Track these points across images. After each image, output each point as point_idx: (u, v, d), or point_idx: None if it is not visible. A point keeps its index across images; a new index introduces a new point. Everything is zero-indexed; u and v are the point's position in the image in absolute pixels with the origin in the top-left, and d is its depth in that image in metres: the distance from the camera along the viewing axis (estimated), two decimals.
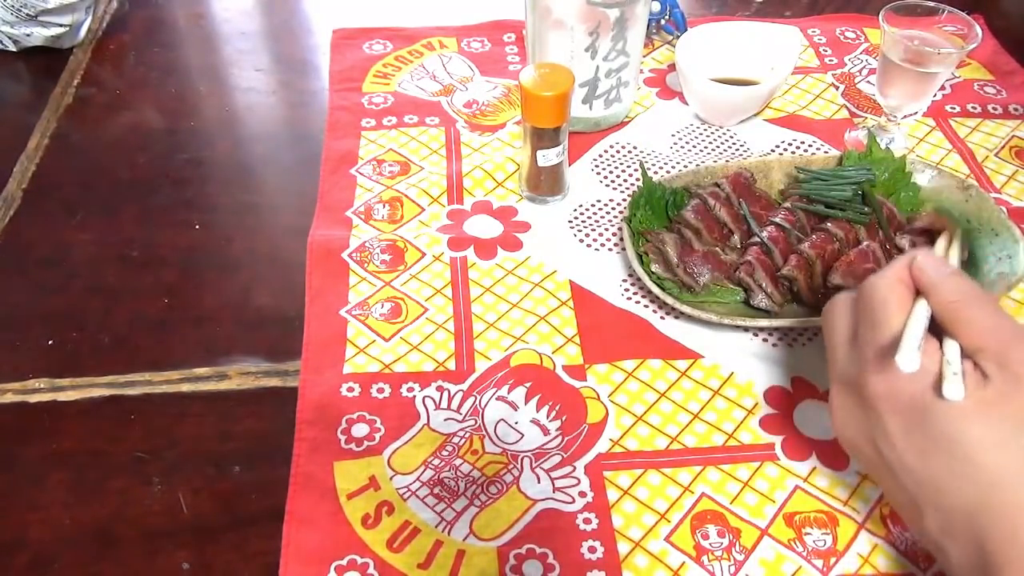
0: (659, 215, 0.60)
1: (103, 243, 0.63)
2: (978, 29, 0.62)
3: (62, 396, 0.53)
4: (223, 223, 0.64)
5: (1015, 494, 0.35)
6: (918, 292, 0.40)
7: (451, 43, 0.81)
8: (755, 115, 0.72)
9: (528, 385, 0.52)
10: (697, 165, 0.65)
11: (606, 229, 0.62)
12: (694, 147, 0.70)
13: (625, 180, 0.66)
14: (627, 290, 0.58)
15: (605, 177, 0.67)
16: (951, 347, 0.38)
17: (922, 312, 0.39)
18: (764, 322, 0.53)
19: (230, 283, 0.60)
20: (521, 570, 0.44)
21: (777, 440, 0.50)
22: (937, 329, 0.39)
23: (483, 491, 0.47)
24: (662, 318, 0.56)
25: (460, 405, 0.51)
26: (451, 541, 0.45)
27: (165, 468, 0.49)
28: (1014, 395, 0.36)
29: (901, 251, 0.55)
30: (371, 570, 0.44)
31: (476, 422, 0.50)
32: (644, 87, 0.75)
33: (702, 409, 0.51)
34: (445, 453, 0.49)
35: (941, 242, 0.50)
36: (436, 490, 0.47)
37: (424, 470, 0.48)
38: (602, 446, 0.49)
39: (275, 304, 0.58)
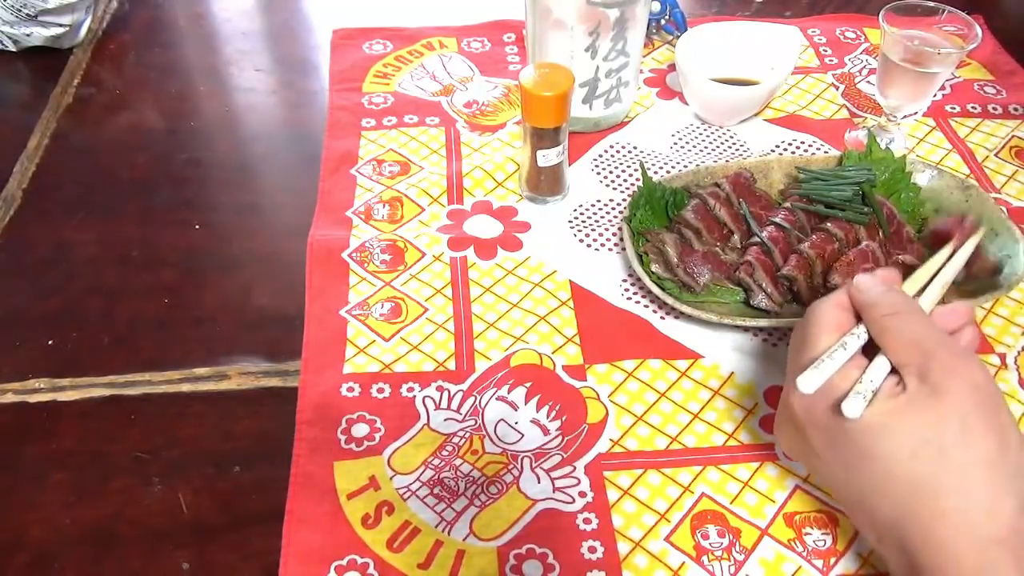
0: (659, 215, 0.60)
1: (103, 243, 0.63)
2: (978, 29, 0.62)
3: (62, 396, 0.53)
4: (223, 223, 0.64)
5: (931, 501, 0.36)
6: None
7: (451, 43, 0.81)
8: (755, 115, 0.72)
9: (528, 385, 0.52)
10: (697, 165, 0.65)
11: (606, 229, 0.62)
12: (694, 147, 0.70)
13: (625, 180, 0.66)
14: (627, 290, 0.58)
15: (605, 177, 0.67)
16: (876, 365, 0.39)
17: (853, 336, 0.41)
18: (764, 322, 0.53)
19: (230, 283, 0.60)
20: (521, 570, 0.44)
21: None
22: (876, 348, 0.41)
23: (483, 491, 0.47)
24: (662, 318, 0.56)
25: (460, 405, 0.51)
26: (451, 541, 0.45)
27: (165, 468, 0.49)
28: (927, 404, 0.37)
29: (905, 265, 0.55)
30: (371, 570, 0.44)
31: (476, 422, 0.50)
32: (644, 87, 0.75)
33: (702, 409, 0.51)
34: (445, 453, 0.49)
35: (945, 250, 0.51)
36: (436, 490, 0.47)
37: (424, 470, 0.48)
38: (602, 446, 0.49)
39: (275, 304, 0.58)
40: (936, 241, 0.56)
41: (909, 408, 0.37)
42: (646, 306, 0.57)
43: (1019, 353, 0.54)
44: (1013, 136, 0.71)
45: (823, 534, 0.45)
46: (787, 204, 0.59)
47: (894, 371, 0.39)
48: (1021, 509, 0.35)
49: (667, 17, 0.80)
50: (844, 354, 0.40)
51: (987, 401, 0.37)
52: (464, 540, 0.45)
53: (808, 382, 0.39)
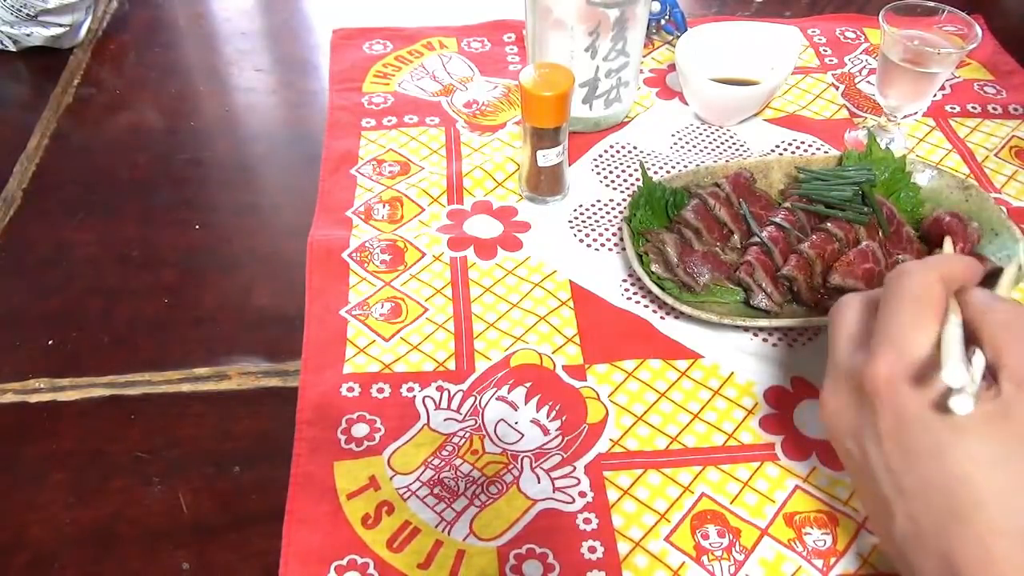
0: (659, 215, 0.60)
1: (103, 243, 0.63)
2: (978, 29, 0.62)
3: (62, 396, 0.53)
4: (223, 223, 0.64)
5: (997, 517, 0.34)
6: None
7: (451, 43, 0.81)
8: (755, 115, 0.72)
9: (528, 385, 0.52)
10: (697, 165, 0.65)
11: (606, 229, 0.62)
12: (694, 147, 0.70)
13: (625, 180, 0.66)
14: (627, 290, 0.58)
15: (605, 177, 0.67)
16: (977, 360, 0.36)
17: (957, 323, 0.37)
18: (764, 322, 0.53)
19: (230, 283, 0.60)
20: (521, 570, 0.44)
21: (777, 440, 0.50)
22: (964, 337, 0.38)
23: (483, 491, 0.47)
24: (662, 318, 0.56)
25: (460, 405, 0.51)
26: (451, 541, 0.45)
27: (165, 468, 0.49)
28: (1019, 414, 0.34)
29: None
30: (371, 570, 0.44)
31: (476, 422, 0.50)
32: (644, 87, 0.75)
33: (702, 409, 0.51)
34: (445, 453, 0.49)
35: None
36: (436, 490, 0.47)
37: (424, 470, 0.48)
38: (602, 446, 0.49)
39: (275, 304, 0.58)
40: (933, 232, 0.56)
41: (1005, 415, 0.34)
42: (646, 306, 0.57)
43: None
44: (1013, 136, 0.71)
45: (823, 534, 0.45)
46: (787, 204, 0.59)
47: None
48: None
49: (667, 17, 0.80)
50: (956, 340, 0.36)
51: None
52: (464, 540, 0.45)
53: (955, 375, 0.34)
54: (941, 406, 0.35)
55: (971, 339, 0.37)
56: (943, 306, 0.38)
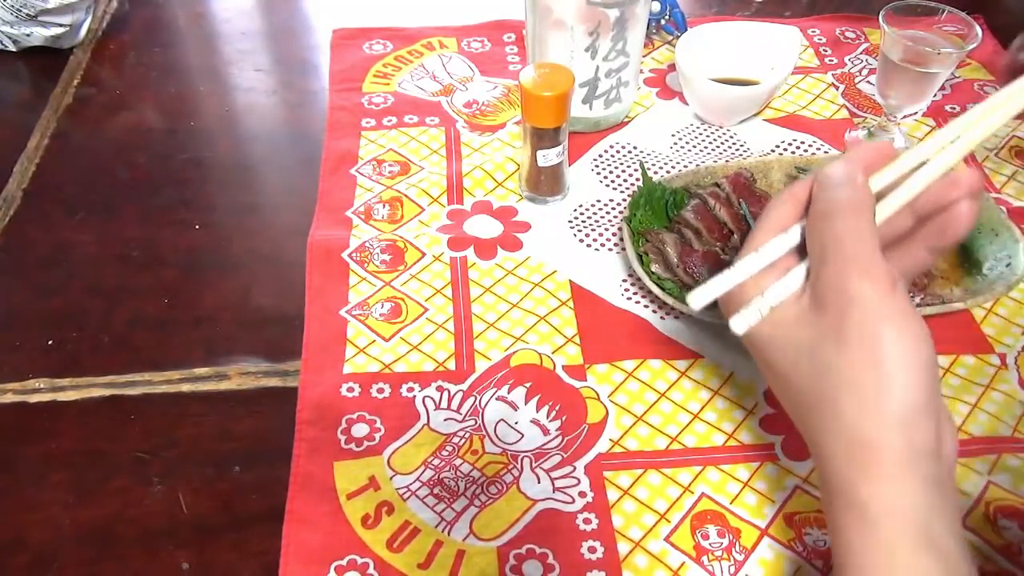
0: (659, 215, 0.60)
1: (103, 243, 0.63)
2: (978, 29, 0.62)
3: (62, 396, 0.53)
4: (223, 223, 0.64)
5: (816, 409, 0.36)
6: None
7: (451, 43, 0.81)
8: (755, 115, 0.72)
9: (528, 385, 0.52)
10: (697, 165, 0.65)
11: (606, 229, 0.62)
12: (694, 147, 0.70)
13: (625, 180, 0.66)
14: (627, 290, 0.58)
15: (605, 177, 0.67)
16: (792, 275, 0.37)
17: (779, 239, 0.38)
18: None
19: (230, 283, 0.60)
20: (521, 570, 0.44)
21: (777, 440, 0.50)
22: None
23: (483, 491, 0.47)
24: (662, 318, 0.56)
25: (460, 405, 0.51)
26: (451, 541, 0.45)
27: (165, 468, 0.49)
28: (808, 318, 0.36)
29: None
30: (371, 570, 0.44)
31: (476, 422, 0.50)
32: (644, 87, 0.75)
33: (702, 409, 0.51)
34: (445, 453, 0.49)
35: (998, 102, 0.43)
36: (436, 490, 0.47)
37: (424, 470, 0.48)
38: (602, 446, 0.49)
39: (275, 304, 0.58)
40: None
41: (796, 320, 0.36)
42: (646, 306, 0.57)
43: (1019, 353, 0.54)
44: (1013, 136, 0.70)
45: (823, 534, 0.45)
46: None
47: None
48: (900, 418, 0.33)
49: (667, 17, 0.80)
50: (747, 265, 0.38)
51: (866, 324, 0.34)
52: (464, 540, 0.45)
53: (695, 299, 0.38)
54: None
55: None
56: (784, 225, 0.39)
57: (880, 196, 0.38)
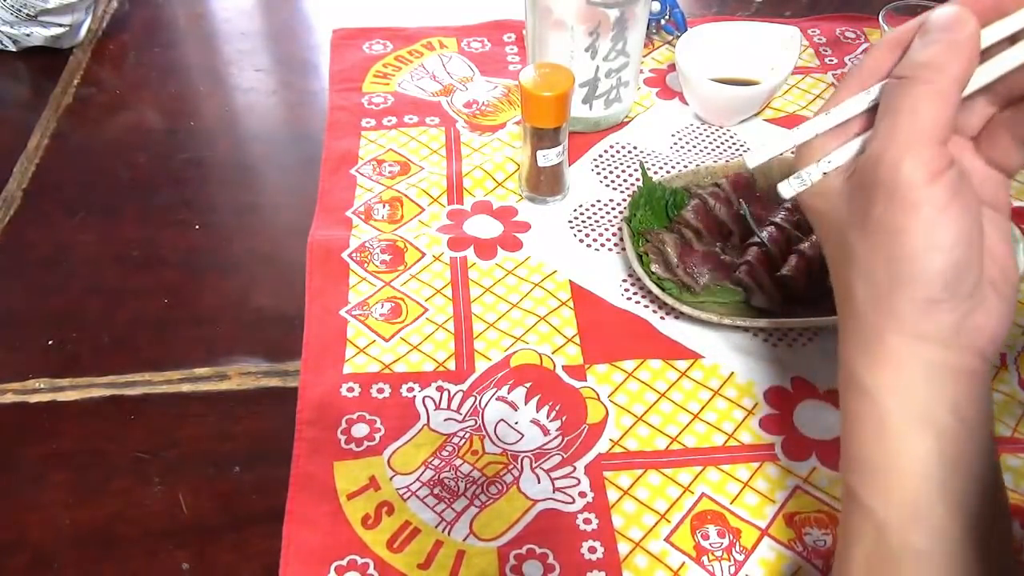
0: (659, 215, 0.60)
1: (103, 243, 0.63)
2: None
3: (62, 396, 0.53)
4: (223, 223, 0.64)
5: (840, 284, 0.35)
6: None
7: (451, 43, 0.81)
8: (755, 115, 0.72)
9: (528, 385, 0.52)
10: (697, 165, 0.65)
11: (606, 229, 0.62)
12: (694, 147, 0.70)
13: (625, 180, 0.66)
14: (627, 290, 0.58)
15: (605, 177, 0.67)
16: (856, 142, 0.34)
17: (856, 99, 0.34)
18: (764, 322, 0.53)
19: (230, 283, 0.60)
20: (521, 570, 0.44)
21: (777, 440, 0.50)
22: None
23: (483, 491, 0.47)
24: (662, 318, 0.56)
25: (460, 405, 0.51)
26: (451, 541, 0.45)
27: (165, 468, 0.49)
28: (843, 197, 0.34)
29: None
30: (371, 570, 0.44)
31: (476, 422, 0.50)
32: (644, 87, 0.75)
33: (702, 409, 0.51)
34: (445, 453, 0.49)
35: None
36: (436, 490, 0.47)
37: (424, 470, 0.48)
38: (602, 446, 0.49)
39: (275, 304, 0.58)
40: None
41: (838, 195, 0.34)
42: (646, 306, 0.57)
43: (1019, 353, 0.54)
44: None
45: (823, 534, 0.45)
46: (787, 204, 0.59)
47: None
48: (907, 303, 0.32)
49: (667, 17, 0.80)
50: (813, 126, 0.35)
51: (896, 212, 0.31)
52: (464, 540, 0.45)
53: (752, 157, 0.36)
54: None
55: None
56: (866, 82, 0.35)
57: (1003, 46, 0.32)
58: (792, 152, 0.37)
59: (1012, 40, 0.32)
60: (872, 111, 0.34)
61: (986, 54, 0.32)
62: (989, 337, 0.33)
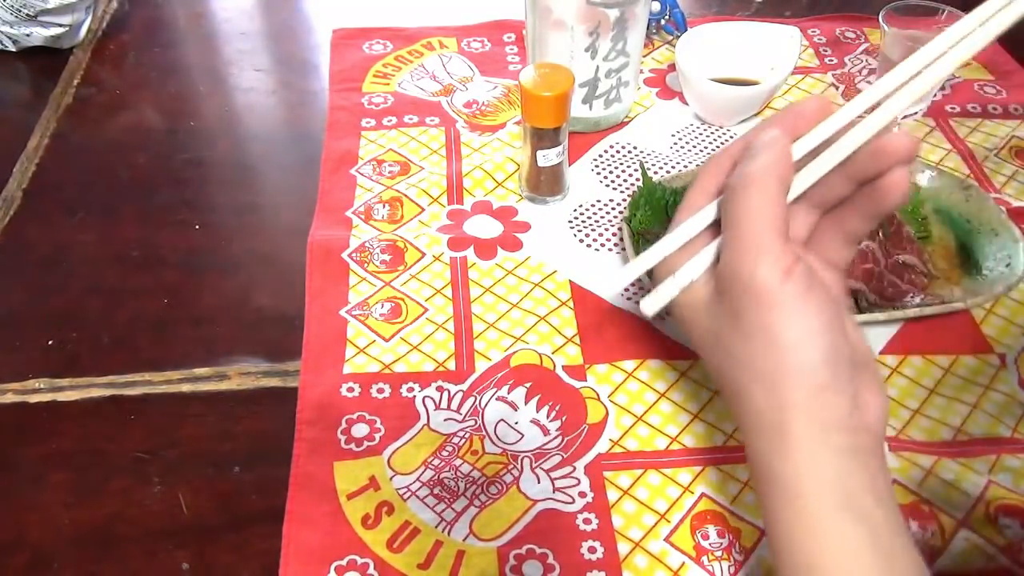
0: (659, 215, 0.60)
1: (103, 243, 0.63)
2: None
3: (62, 396, 0.53)
4: (223, 223, 0.64)
5: (731, 384, 0.36)
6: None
7: (451, 43, 0.81)
8: (755, 115, 0.72)
9: (528, 385, 0.52)
10: (697, 165, 0.65)
11: (606, 229, 0.62)
12: (694, 147, 0.70)
13: (625, 180, 0.66)
14: (627, 290, 0.58)
15: (605, 177, 0.67)
16: (705, 254, 0.37)
17: (695, 219, 0.37)
18: None
19: (230, 283, 0.60)
20: (521, 570, 0.44)
21: None
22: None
23: (483, 491, 0.47)
24: (662, 318, 0.56)
25: (460, 405, 0.51)
26: (451, 541, 0.45)
27: (165, 468, 0.49)
28: (713, 300, 0.36)
29: (904, 265, 0.55)
30: (371, 570, 0.44)
31: (476, 422, 0.50)
32: (644, 87, 0.75)
33: (702, 409, 0.51)
34: (445, 453, 0.49)
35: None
36: (436, 490, 0.47)
37: (424, 470, 0.48)
38: (602, 446, 0.49)
39: (275, 304, 0.58)
40: None
41: (704, 305, 0.37)
42: None
43: (1019, 353, 0.54)
44: (1013, 136, 0.71)
45: None
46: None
47: None
48: (803, 396, 0.34)
49: (667, 17, 0.80)
50: (661, 247, 0.37)
51: (759, 309, 0.34)
52: (464, 540, 0.45)
53: (648, 305, 0.38)
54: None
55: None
56: (704, 200, 0.39)
57: (815, 155, 0.37)
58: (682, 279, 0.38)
59: (814, 154, 0.37)
60: (713, 225, 0.37)
61: (799, 164, 0.37)
62: (877, 414, 0.35)
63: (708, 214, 0.37)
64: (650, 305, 0.38)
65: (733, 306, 0.35)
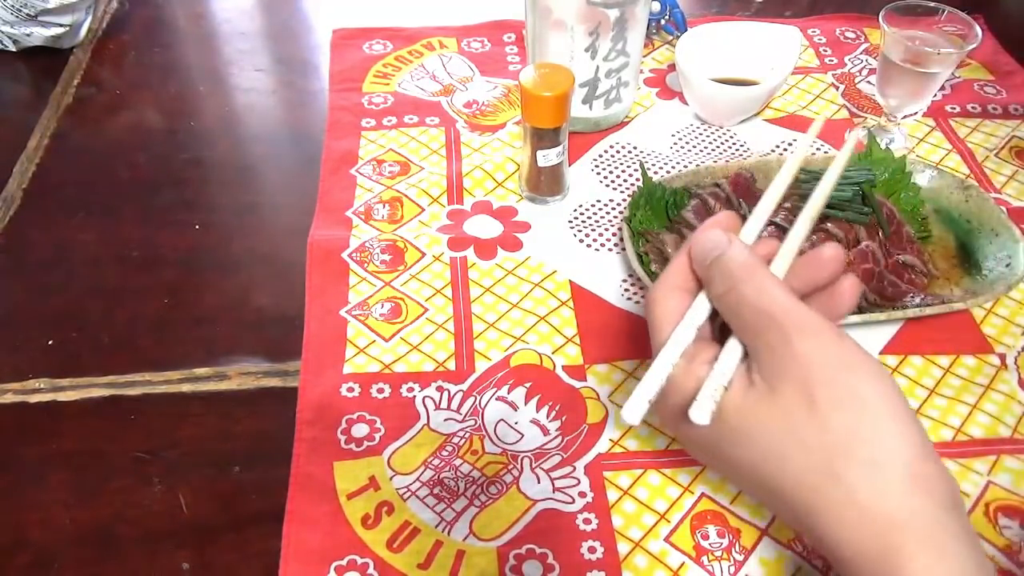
0: (659, 215, 0.60)
1: (103, 243, 0.63)
2: (978, 29, 0.62)
3: (62, 396, 0.53)
4: (223, 223, 0.64)
5: (789, 501, 0.33)
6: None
7: (451, 43, 0.81)
8: (755, 115, 0.72)
9: (528, 385, 0.52)
10: (697, 165, 0.65)
11: (606, 229, 0.62)
12: (694, 147, 0.70)
13: (625, 180, 0.66)
14: (627, 290, 0.58)
15: (605, 177, 0.67)
16: (726, 352, 0.35)
17: (684, 327, 0.36)
18: None
19: (230, 283, 0.60)
20: (521, 570, 0.44)
21: None
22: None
23: (483, 491, 0.47)
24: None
25: (460, 405, 0.51)
26: (451, 541, 0.45)
27: (165, 468, 0.49)
28: (767, 399, 0.33)
29: (904, 265, 0.55)
30: (371, 570, 0.44)
31: (476, 422, 0.50)
32: (644, 87, 0.75)
33: None
34: (445, 453, 0.49)
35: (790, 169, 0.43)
36: (436, 490, 0.47)
37: (424, 470, 0.48)
38: (602, 446, 0.49)
39: (275, 304, 0.58)
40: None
41: (752, 409, 0.34)
42: None
43: (1019, 353, 0.54)
44: (1013, 136, 0.71)
45: None
46: (787, 204, 0.59)
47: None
48: (911, 473, 0.31)
49: (667, 17, 0.80)
50: (666, 357, 0.36)
51: (833, 380, 0.32)
52: (464, 540, 0.45)
53: (631, 412, 0.34)
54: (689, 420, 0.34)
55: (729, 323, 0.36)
56: (681, 313, 0.37)
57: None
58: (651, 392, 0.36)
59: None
60: (710, 323, 0.37)
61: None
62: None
63: (697, 314, 0.36)
64: (633, 412, 0.35)
65: (798, 391, 0.32)
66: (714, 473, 0.42)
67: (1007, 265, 0.55)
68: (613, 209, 0.64)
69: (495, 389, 0.52)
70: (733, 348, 0.35)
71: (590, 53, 0.64)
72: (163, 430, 0.51)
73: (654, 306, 0.38)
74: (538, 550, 0.45)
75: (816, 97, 0.75)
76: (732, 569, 0.44)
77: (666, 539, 0.45)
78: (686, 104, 0.73)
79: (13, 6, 0.75)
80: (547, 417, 0.51)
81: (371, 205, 0.64)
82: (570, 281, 0.59)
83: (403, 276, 0.59)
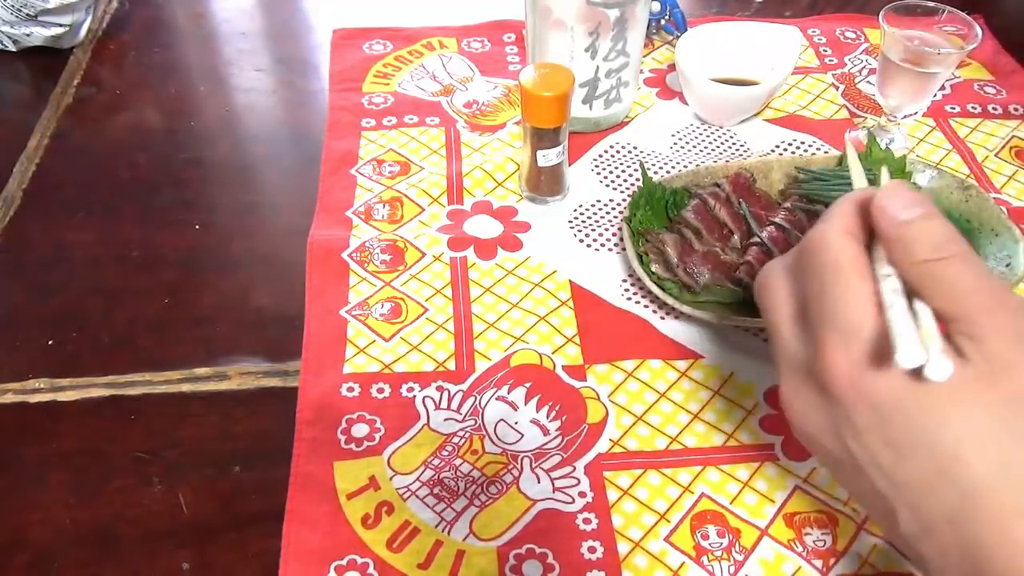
0: (659, 215, 0.60)
1: (103, 243, 0.63)
2: (978, 29, 0.62)
3: (62, 396, 0.53)
4: (223, 223, 0.64)
5: (1001, 497, 0.30)
6: (871, 240, 0.34)
7: (451, 43, 0.81)
8: (755, 115, 0.72)
9: (528, 385, 0.52)
10: (697, 165, 0.65)
11: (606, 229, 0.62)
12: (694, 147, 0.70)
13: (625, 180, 0.66)
14: (627, 290, 0.58)
15: (605, 177, 0.67)
16: (926, 314, 0.31)
17: (892, 288, 0.32)
18: (764, 322, 0.53)
19: (230, 283, 0.60)
20: (521, 570, 0.44)
21: (777, 440, 0.50)
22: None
23: (483, 491, 0.47)
24: (662, 318, 0.56)
25: (460, 405, 0.51)
26: (451, 541, 0.45)
27: (165, 468, 0.49)
28: (992, 379, 0.30)
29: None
30: (371, 570, 0.44)
31: (476, 422, 0.50)
32: (644, 87, 0.75)
33: (702, 409, 0.51)
34: (445, 453, 0.49)
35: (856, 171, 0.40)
36: (436, 490, 0.47)
37: (424, 470, 0.48)
38: (602, 446, 0.49)
39: (275, 304, 0.58)
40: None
41: (979, 382, 0.30)
42: (646, 306, 0.57)
43: None
44: (1013, 136, 0.71)
45: (823, 534, 0.45)
46: (787, 204, 0.59)
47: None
48: None
49: (667, 17, 0.80)
50: (902, 311, 0.31)
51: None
52: (464, 540, 0.45)
53: (911, 355, 0.30)
54: (914, 380, 0.31)
55: (910, 289, 0.32)
56: (864, 263, 0.33)
57: None
58: None
59: None
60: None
61: None
62: None
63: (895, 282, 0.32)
64: (912, 355, 0.30)
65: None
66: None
67: (1007, 265, 0.55)
68: (613, 209, 0.64)
69: (495, 389, 0.52)
70: (928, 313, 0.32)
71: (590, 53, 0.64)
72: (163, 430, 0.51)
73: (840, 253, 0.33)
74: (538, 550, 0.45)
75: (816, 97, 0.75)
76: (732, 569, 0.44)
77: (666, 539, 0.45)
78: (686, 104, 0.73)
79: (13, 6, 0.75)
80: (547, 417, 0.51)
81: (371, 205, 0.64)
82: (570, 281, 0.59)
83: (403, 276, 0.59)
